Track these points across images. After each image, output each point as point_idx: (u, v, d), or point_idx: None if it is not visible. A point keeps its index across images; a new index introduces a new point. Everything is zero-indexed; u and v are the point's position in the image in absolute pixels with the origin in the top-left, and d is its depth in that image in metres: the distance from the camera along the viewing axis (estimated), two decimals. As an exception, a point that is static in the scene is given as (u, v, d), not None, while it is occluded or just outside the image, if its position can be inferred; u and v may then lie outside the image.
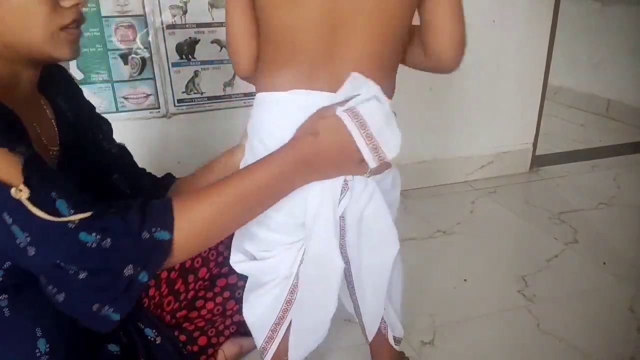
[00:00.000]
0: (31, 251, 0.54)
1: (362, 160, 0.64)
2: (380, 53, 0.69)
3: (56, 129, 0.71)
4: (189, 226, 0.59)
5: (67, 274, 0.55)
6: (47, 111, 0.72)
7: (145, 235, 0.56)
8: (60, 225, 0.53)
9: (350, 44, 0.67)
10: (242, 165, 0.80)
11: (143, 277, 0.58)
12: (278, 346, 0.84)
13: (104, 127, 0.86)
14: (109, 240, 0.55)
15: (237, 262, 0.82)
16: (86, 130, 0.79)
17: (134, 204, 0.58)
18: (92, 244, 0.54)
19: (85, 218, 0.54)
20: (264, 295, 0.81)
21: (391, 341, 0.94)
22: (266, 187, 0.63)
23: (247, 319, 0.83)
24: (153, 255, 0.58)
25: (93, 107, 0.87)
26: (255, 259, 0.80)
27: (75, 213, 0.54)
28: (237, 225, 0.65)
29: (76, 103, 0.80)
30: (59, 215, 0.53)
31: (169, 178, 0.92)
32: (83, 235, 0.54)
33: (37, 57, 0.64)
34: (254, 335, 0.85)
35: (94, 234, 0.54)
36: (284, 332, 0.83)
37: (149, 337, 0.80)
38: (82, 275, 0.55)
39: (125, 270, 0.56)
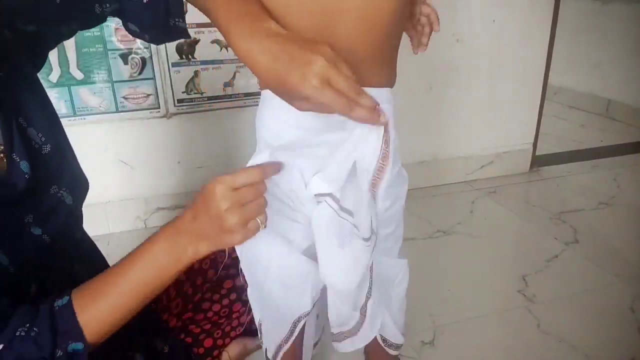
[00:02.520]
0: None
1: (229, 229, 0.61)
2: (376, 45, 0.69)
3: None
4: (96, 324, 0.60)
5: None
6: None
7: (59, 353, 0.57)
8: None
9: (346, 38, 0.67)
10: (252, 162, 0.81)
11: None
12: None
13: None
14: None
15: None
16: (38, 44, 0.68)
17: (40, 318, 0.57)
18: None
19: None
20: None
21: (382, 344, 0.93)
22: (157, 277, 0.62)
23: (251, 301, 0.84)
24: None
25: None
26: None
27: None
28: (146, 301, 0.64)
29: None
30: None
31: None
32: None
33: None
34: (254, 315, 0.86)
35: None
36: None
37: (158, 347, 0.80)
38: None
39: None
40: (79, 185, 0.74)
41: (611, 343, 1.36)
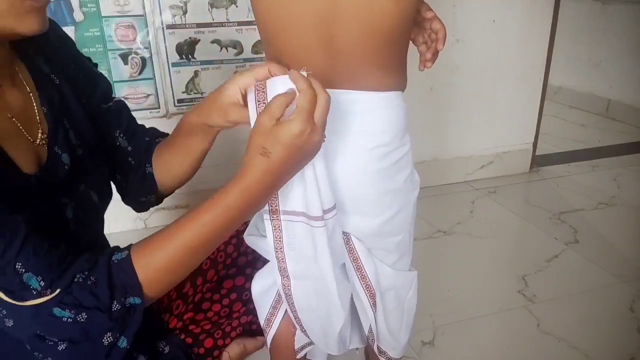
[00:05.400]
0: (9, 322, 0.56)
1: (316, 149, 0.61)
2: (378, 48, 0.69)
3: (35, 106, 0.65)
4: (155, 279, 0.60)
5: (48, 345, 0.56)
6: (25, 84, 0.65)
7: (117, 306, 0.58)
8: (31, 305, 0.54)
9: (345, 40, 0.67)
10: None
11: (122, 342, 0.59)
12: (278, 329, 0.85)
13: (102, 84, 0.79)
14: (83, 314, 0.56)
15: (248, 234, 0.83)
16: (78, 94, 0.73)
17: (98, 269, 0.58)
18: (67, 319, 0.56)
19: (56, 295, 0.55)
20: (266, 276, 0.83)
21: (377, 352, 0.92)
22: (227, 223, 0.61)
23: (252, 293, 0.85)
24: (128, 320, 0.59)
25: (85, 61, 0.78)
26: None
27: (44, 288, 0.54)
28: (202, 260, 0.65)
29: (61, 61, 0.72)
30: (28, 290, 0.54)
31: (162, 132, 0.88)
32: (57, 311, 0.55)
33: None
34: (258, 313, 0.86)
35: (67, 311, 0.55)
36: (282, 314, 0.84)
37: (159, 348, 0.80)
38: (62, 347, 0.57)
39: (104, 339, 0.58)
40: (105, 191, 0.79)
41: (611, 343, 1.36)
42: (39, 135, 0.64)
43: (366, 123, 0.70)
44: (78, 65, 0.76)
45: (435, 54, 0.80)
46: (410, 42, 0.80)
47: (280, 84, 0.60)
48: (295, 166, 0.61)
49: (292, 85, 0.59)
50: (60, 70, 0.71)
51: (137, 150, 0.81)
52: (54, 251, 0.56)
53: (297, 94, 0.58)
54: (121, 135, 0.80)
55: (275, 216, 0.69)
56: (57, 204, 0.65)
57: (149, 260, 0.59)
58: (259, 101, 0.61)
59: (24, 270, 0.53)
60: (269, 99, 0.60)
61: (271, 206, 0.68)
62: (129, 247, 0.61)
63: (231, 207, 0.60)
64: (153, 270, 0.59)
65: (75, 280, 0.56)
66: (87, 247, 0.70)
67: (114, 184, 0.84)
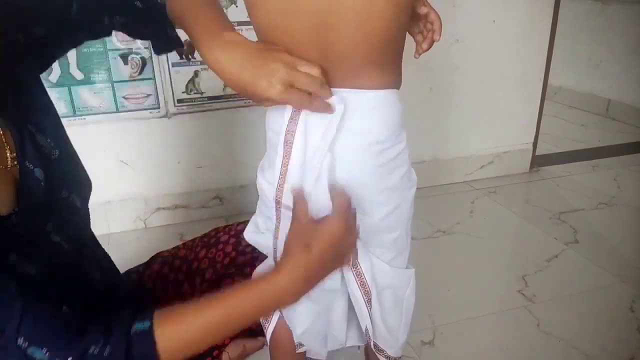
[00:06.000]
0: None
1: (350, 251, 0.67)
2: (374, 49, 0.69)
3: None
4: (173, 355, 0.59)
5: None
6: None
7: None
8: None
9: (342, 42, 0.67)
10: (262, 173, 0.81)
11: None
12: (277, 324, 0.85)
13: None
14: None
15: (248, 232, 0.84)
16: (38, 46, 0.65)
17: (115, 339, 0.55)
18: None
19: None
20: (266, 270, 0.83)
21: (373, 349, 0.92)
22: (257, 310, 0.63)
23: None
24: None
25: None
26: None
27: (50, 358, 0.52)
28: (222, 339, 0.66)
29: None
30: None
31: None
32: None
33: None
34: None
35: None
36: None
37: None
38: None
39: None
40: (85, 187, 0.74)
41: (611, 343, 1.36)
42: (8, 155, 0.60)
43: (362, 121, 0.71)
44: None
45: (431, 44, 0.82)
46: (407, 38, 0.81)
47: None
48: (331, 262, 0.64)
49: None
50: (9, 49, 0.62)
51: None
52: (57, 317, 0.54)
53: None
54: (114, 17, 0.71)
55: (278, 206, 0.72)
56: (42, 234, 0.62)
57: (171, 334, 0.58)
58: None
59: (27, 344, 0.51)
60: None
61: (277, 196, 0.70)
62: (151, 317, 0.58)
63: (264, 297, 0.61)
64: (173, 345, 0.58)
65: (90, 352, 0.54)
66: (73, 252, 0.67)
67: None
